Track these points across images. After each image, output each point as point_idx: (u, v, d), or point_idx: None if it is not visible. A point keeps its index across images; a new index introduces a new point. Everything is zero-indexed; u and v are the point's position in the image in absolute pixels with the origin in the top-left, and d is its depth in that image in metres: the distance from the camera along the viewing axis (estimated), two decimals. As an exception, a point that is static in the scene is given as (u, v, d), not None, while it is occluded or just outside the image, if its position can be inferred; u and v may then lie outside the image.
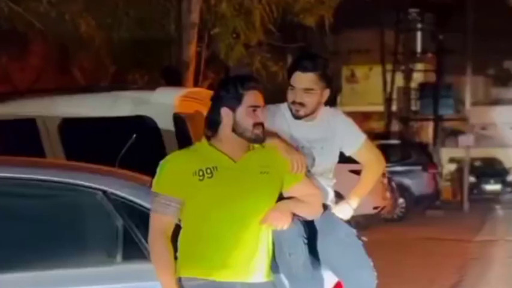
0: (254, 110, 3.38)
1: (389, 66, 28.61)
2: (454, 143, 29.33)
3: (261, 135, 3.41)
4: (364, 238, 3.87)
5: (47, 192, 3.63)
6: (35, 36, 11.21)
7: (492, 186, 27.18)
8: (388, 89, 28.19)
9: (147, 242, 3.45)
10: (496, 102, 38.49)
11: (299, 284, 3.52)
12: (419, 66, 32.21)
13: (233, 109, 3.38)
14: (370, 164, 3.95)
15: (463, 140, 22.88)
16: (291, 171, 3.48)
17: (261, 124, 3.40)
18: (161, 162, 3.41)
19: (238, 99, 3.37)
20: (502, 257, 12.14)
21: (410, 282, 9.41)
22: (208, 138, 3.45)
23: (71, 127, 5.84)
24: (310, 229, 3.62)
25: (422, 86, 30.00)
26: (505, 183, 28.10)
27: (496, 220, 18.96)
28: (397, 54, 28.98)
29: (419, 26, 31.65)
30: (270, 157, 3.47)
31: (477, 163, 27.24)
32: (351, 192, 3.94)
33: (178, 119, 5.57)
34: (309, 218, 3.62)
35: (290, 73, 3.75)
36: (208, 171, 3.34)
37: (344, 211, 3.86)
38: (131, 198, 3.58)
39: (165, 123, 5.57)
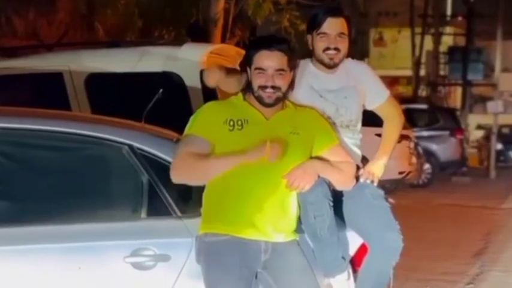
0: (261, 72, 3.34)
1: (418, 30, 28.22)
2: (481, 109, 29.02)
3: (266, 100, 3.35)
4: (391, 200, 3.81)
5: (71, 145, 3.59)
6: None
7: (519, 154, 26.81)
8: (417, 52, 27.85)
9: (171, 197, 3.44)
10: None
11: (324, 246, 3.47)
12: (449, 29, 31.75)
13: (249, 70, 3.39)
14: (392, 118, 3.87)
15: (491, 106, 22.57)
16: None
17: (269, 87, 3.33)
18: (197, 110, 3.44)
19: (250, 61, 3.38)
20: (528, 224, 12.04)
21: (434, 247, 9.36)
22: (245, 93, 3.44)
23: (97, 82, 5.81)
24: (335, 190, 3.55)
25: (452, 50, 29.56)
26: (532, 151, 27.70)
27: (522, 188, 18.76)
28: (426, 17, 28.54)
29: (450, -12, 31.14)
30: (302, 118, 3.43)
31: (505, 130, 26.88)
32: (378, 151, 3.85)
33: (205, 76, 5.51)
34: (339, 188, 3.53)
35: (320, 21, 3.65)
36: (239, 122, 3.34)
37: (378, 166, 3.76)
38: (157, 153, 3.55)
39: (192, 79, 5.53)
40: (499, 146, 23.66)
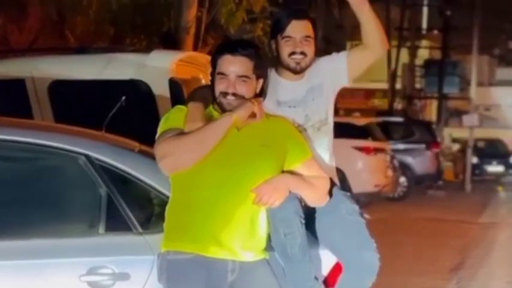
0: (223, 78, 3.15)
1: (394, 43, 28.27)
2: (457, 123, 29.12)
3: (227, 107, 3.14)
4: (366, 216, 3.61)
5: (23, 154, 3.40)
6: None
7: (494, 168, 27.00)
8: (393, 65, 27.91)
9: (132, 212, 3.28)
10: (501, 83, 38.34)
11: (295, 266, 3.29)
12: (425, 43, 31.94)
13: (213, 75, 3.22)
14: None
15: (467, 119, 22.66)
16: None
17: (230, 94, 3.13)
18: (168, 112, 3.29)
19: (214, 65, 3.21)
20: (504, 239, 12.08)
21: (410, 262, 9.26)
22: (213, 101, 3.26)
23: (61, 89, 5.60)
24: (307, 205, 3.35)
25: (428, 64, 29.73)
26: (507, 165, 27.91)
27: (498, 202, 18.83)
28: (402, 30, 28.64)
29: (425, 1, 31.33)
30: (274, 129, 3.24)
31: (480, 144, 27.01)
32: None
33: (174, 84, 5.32)
34: (311, 205, 3.33)
35: (283, 24, 3.48)
36: None
37: None
38: (117, 164, 3.36)
39: (160, 88, 5.33)
40: (474, 160, 23.74)
